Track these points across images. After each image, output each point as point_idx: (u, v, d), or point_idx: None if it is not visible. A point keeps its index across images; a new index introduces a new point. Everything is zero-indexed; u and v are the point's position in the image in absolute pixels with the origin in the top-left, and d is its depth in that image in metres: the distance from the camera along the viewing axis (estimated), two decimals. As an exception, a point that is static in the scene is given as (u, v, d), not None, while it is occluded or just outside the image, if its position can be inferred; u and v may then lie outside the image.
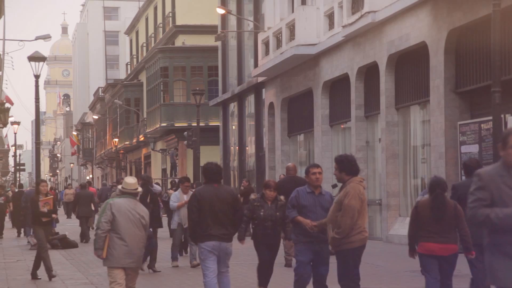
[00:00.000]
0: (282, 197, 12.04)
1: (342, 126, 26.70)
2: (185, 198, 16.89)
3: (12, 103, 41.62)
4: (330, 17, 26.00)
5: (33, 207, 15.94)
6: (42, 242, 15.85)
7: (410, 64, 21.65)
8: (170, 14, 49.85)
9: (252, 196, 11.96)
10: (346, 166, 9.82)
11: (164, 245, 19.71)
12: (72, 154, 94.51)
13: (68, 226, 33.60)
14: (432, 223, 9.75)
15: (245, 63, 37.42)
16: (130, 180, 10.52)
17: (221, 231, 10.07)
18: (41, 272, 15.99)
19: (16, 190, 34.20)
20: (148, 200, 16.32)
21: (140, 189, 10.85)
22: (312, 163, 10.77)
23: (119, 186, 10.76)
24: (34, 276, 15.97)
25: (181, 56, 45.55)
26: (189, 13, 47.53)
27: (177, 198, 17.28)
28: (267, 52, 30.69)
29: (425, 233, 9.81)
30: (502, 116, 15.88)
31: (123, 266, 10.16)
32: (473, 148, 18.24)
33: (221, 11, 35.29)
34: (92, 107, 79.56)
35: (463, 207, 9.78)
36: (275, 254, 12.23)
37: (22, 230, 29.44)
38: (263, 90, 34.15)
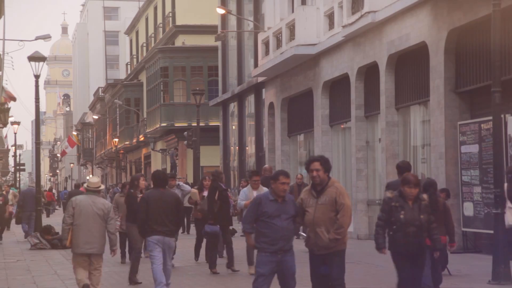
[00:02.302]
0: (425, 196, 10.16)
1: (342, 126, 26.70)
2: (255, 194, 14.55)
3: (15, 99, 41.38)
4: (330, 17, 25.99)
5: (131, 204, 15.10)
6: (138, 242, 14.83)
7: (410, 64, 21.65)
8: (170, 14, 49.85)
9: (388, 194, 10.09)
10: (329, 167, 9.51)
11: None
12: (62, 155, 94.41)
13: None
14: None
15: (245, 63, 37.42)
16: (93, 180, 12.35)
17: (164, 228, 11.74)
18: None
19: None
20: (216, 197, 15.68)
21: (102, 187, 12.44)
22: (281, 170, 9.77)
23: (85, 185, 12.51)
24: (132, 281, 14.57)
25: (181, 56, 45.54)
26: (189, 13, 47.52)
27: (245, 195, 15.30)
28: (267, 52, 30.69)
29: None
30: (502, 116, 15.88)
31: (84, 252, 11.82)
32: (473, 148, 18.24)
33: (221, 11, 35.29)
34: (92, 107, 79.56)
35: None
36: (419, 271, 10.15)
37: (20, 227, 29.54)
38: (263, 90, 34.15)
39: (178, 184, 17.38)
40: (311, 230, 9.41)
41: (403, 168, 12.96)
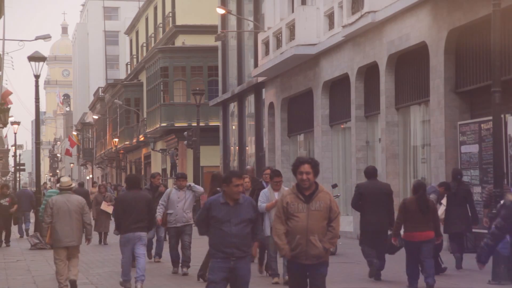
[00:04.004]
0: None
1: (342, 126, 26.70)
2: (276, 196, 13.78)
3: (11, 93, 41.31)
4: (330, 17, 26.00)
5: None
6: None
7: (410, 64, 21.65)
8: (170, 14, 49.84)
9: (511, 197, 8.33)
10: (319, 171, 8.76)
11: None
12: (66, 154, 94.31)
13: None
14: (417, 216, 12.94)
15: (245, 63, 37.42)
16: (65, 179, 13.85)
17: (137, 224, 13.37)
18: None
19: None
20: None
21: (73, 185, 14.06)
22: (234, 171, 9.13)
23: (57, 185, 14.06)
24: (203, 278, 14.47)
25: (181, 56, 45.52)
26: (189, 13, 47.51)
27: (266, 197, 14.06)
28: (267, 52, 30.69)
29: (410, 224, 12.98)
30: (502, 116, 15.89)
31: (65, 246, 13.28)
32: (473, 148, 18.24)
33: (221, 11, 35.29)
34: (92, 107, 79.55)
35: (363, 202, 14.25)
36: None
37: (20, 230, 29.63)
38: (263, 90, 34.15)
39: (189, 185, 16.32)
40: (302, 237, 8.53)
41: (368, 173, 14.67)
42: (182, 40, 47.03)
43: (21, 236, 29.22)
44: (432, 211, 13.10)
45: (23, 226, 29.68)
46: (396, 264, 15.26)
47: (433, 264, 13.07)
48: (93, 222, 16.41)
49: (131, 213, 13.35)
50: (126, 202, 13.45)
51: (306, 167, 8.55)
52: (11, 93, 40.52)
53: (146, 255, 13.99)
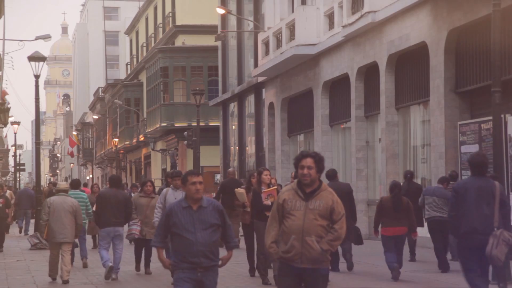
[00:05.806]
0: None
1: (342, 126, 26.70)
2: None
3: (6, 93, 41.43)
4: (330, 17, 26.00)
5: (256, 200, 14.02)
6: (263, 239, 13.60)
7: (410, 64, 21.65)
8: (170, 14, 49.85)
9: None
10: (323, 167, 7.95)
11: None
12: (68, 153, 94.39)
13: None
14: (392, 213, 14.37)
15: (245, 63, 37.42)
16: (62, 183, 15.99)
17: (115, 219, 14.95)
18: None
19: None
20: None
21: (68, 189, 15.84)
22: (190, 170, 8.38)
23: (55, 188, 16.56)
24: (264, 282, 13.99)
25: (181, 56, 45.53)
26: (189, 13, 47.52)
27: None
28: (267, 52, 30.69)
29: (387, 220, 14.44)
30: (502, 116, 15.89)
31: (58, 241, 14.84)
32: (473, 148, 18.24)
33: (221, 11, 35.29)
34: (92, 107, 79.56)
35: None
36: None
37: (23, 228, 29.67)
38: (263, 90, 34.15)
39: None
40: (298, 238, 7.72)
41: (329, 176, 15.90)
42: (182, 40, 47.03)
43: (20, 232, 29.26)
44: (406, 209, 14.46)
45: (23, 223, 29.71)
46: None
47: (401, 256, 14.56)
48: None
49: (109, 208, 14.97)
50: (106, 198, 15.09)
51: (308, 161, 7.82)
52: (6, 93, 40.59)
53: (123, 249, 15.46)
